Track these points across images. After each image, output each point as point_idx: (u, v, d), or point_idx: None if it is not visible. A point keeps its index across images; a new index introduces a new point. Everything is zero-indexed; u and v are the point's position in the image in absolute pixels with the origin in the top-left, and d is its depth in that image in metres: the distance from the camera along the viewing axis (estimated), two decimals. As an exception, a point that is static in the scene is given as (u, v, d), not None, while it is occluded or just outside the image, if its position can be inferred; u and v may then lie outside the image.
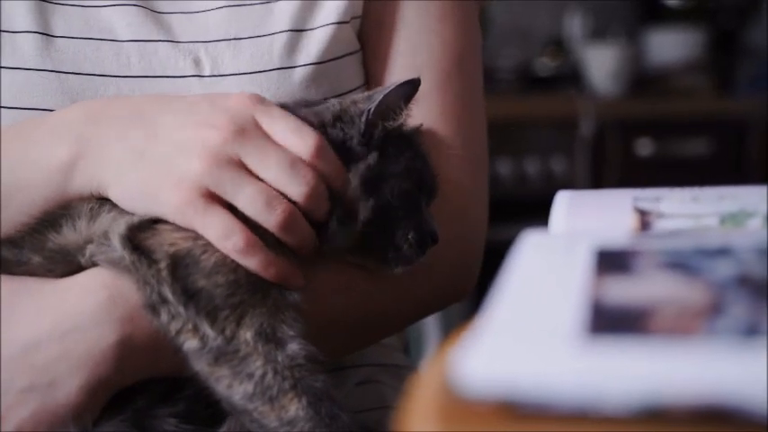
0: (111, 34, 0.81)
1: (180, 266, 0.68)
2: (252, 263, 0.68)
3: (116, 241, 0.69)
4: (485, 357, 0.37)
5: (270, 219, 0.69)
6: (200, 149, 0.69)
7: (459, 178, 0.85)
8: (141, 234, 0.69)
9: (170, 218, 0.69)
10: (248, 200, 0.68)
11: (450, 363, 0.38)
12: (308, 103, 0.77)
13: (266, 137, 0.70)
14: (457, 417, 0.36)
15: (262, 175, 0.69)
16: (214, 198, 0.68)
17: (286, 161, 0.69)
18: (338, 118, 0.74)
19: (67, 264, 0.71)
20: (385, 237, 0.74)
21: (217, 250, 0.68)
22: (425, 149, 0.78)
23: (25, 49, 0.79)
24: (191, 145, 0.69)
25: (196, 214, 0.68)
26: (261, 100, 0.72)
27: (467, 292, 0.88)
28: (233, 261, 0.68)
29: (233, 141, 0.69)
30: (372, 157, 0.73)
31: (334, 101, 0.76)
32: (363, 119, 0.73)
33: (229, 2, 0.84)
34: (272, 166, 0.69)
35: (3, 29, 0.79)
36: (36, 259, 0.71)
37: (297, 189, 0.69)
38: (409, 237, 0.74)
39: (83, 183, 0.72)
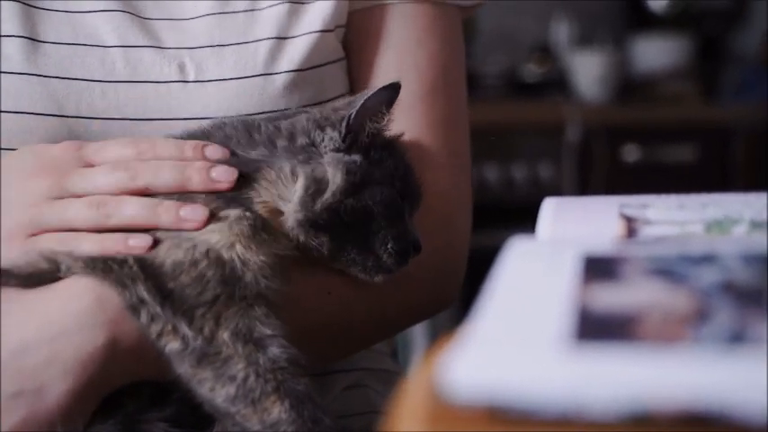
0: (98, 40, 0.81)
1: (147, 268, 0.68)
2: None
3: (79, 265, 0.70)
4: (472, 363, 0.38)
5: (100, 216, 0.70)
6: (27, 200, 0.72)
7: (445, 187, 0.86)
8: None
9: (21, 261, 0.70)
10: (79, 211, 0.71)
11: (438, 368, 0.38)
12: (285, 115, 0.77)
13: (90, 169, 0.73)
14: (444, 422, 0.37)
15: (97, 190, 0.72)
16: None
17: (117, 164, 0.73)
18: (319, 126, 0.74)
19: (48, 281, 0.70)
20: (365, 244, 0.74)
21: (166, 251, 0.69)
22: (409, 158, 0.79)
23: (11, 53, 0.79)
24: (17, 200, 0.72)
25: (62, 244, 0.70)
26: (82, 144, 0.75)
27: (451, 300, 0.89)
28: (186, 257, 0.69)
29: (59, 183, 0.72)
30: (356, 157, 0.73)
31: (314, 110, 0.77)
32: (344, 124, 0.74)
33: (214, 9, 0.84)
34: (102, 178, 0.72)
35: None
36: (13, 282, 0.71)
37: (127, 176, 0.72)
38: (389, 246, 0.74)
39: None
